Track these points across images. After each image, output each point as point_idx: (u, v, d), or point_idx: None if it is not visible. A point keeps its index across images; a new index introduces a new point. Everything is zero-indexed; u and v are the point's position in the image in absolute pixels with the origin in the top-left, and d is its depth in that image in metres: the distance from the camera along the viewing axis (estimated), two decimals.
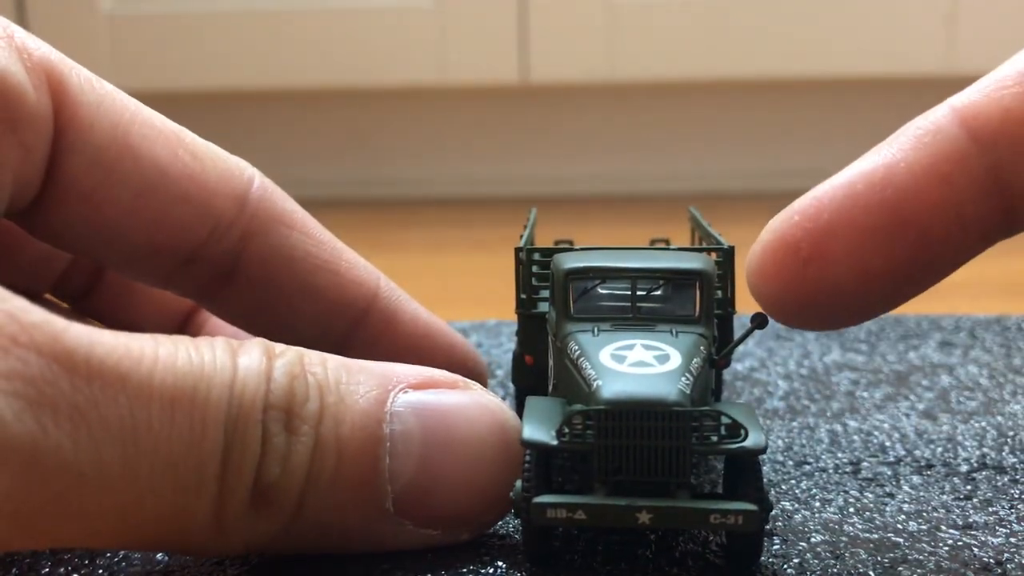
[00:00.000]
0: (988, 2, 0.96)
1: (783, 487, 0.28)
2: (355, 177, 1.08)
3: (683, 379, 0.22)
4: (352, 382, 0.22)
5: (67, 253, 0.29)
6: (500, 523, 0.25)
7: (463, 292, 0.65)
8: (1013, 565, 0.23)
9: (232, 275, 0.28)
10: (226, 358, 0.21)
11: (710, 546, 0.24)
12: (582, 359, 0.23)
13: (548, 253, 0.28)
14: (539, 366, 0.28)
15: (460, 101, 1.05)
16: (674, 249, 0.29)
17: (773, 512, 0.26)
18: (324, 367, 0.22)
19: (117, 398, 0.19)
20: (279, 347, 0.22)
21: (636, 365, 0.22)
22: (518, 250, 0.28)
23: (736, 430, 0.21)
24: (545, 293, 0.28)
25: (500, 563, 0.23)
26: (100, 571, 0.24)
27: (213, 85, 1.00)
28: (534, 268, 0.28)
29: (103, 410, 0.19)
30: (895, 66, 0.96)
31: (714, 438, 0.21)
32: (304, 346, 0.29)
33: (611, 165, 1.08)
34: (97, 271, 0.32)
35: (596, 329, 0.24)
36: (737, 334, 0.26)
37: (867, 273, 0.24)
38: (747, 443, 0.21)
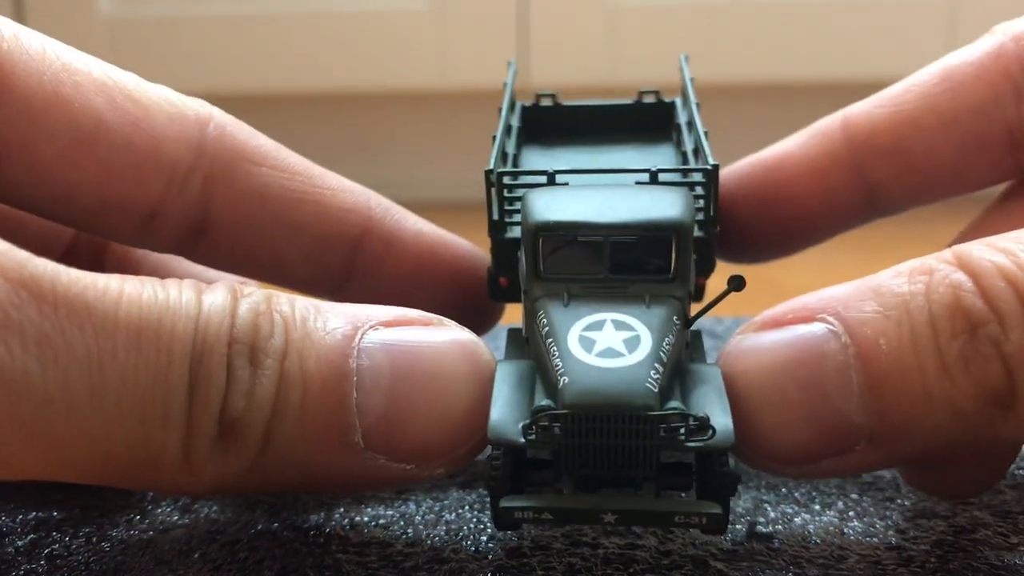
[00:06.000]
0: (988, 6, 0.96)
1: (783, 490, 0.28)
2: (354, 180, 1.08)
3: (652, 373, 0.21)
4: (320, 320, 0.22)
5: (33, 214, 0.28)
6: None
7: None
8: (1015, 570, 0.23)
9: (206, 224, 0.27)
10: (191, 295, 0.21)
11: (710, 548, 0.24)
12: (551, 341, 0.22)
13: (519, 176, 0.27)
14: (514, 285, 0.27)
15: (460, 104, 1.05)
16: (656, 171, 0.26)
17: (773, 515, 0.26)
18: (292, 306, 0.22)
19: (83, 326, 0.19)
20: (247, 288, 0.22)
21: (604, 355, 0.21)
22: (488, 172, 0.27)
23: (705, 425, 0.21)
24: (517, 217, 0.27)
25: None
26: None
27: (211, 89, 1.00)
28: (505, 192, 0.27)
29: (69, 337, 0.19)
30: (895, 70, 0.96)
31: (682, 434, 0.21)
32: (304, 285, 0.28)
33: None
34: (102, 246, 0.31)
35: (566, 295, 0.23)
36: (711, 294, 0.25)
37: (758, 231, 0.31)
38: (713, 442, 0.21)
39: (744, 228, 0.31)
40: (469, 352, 0.23)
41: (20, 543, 0.25)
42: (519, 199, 0.26)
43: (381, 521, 0.26)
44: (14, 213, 0.27)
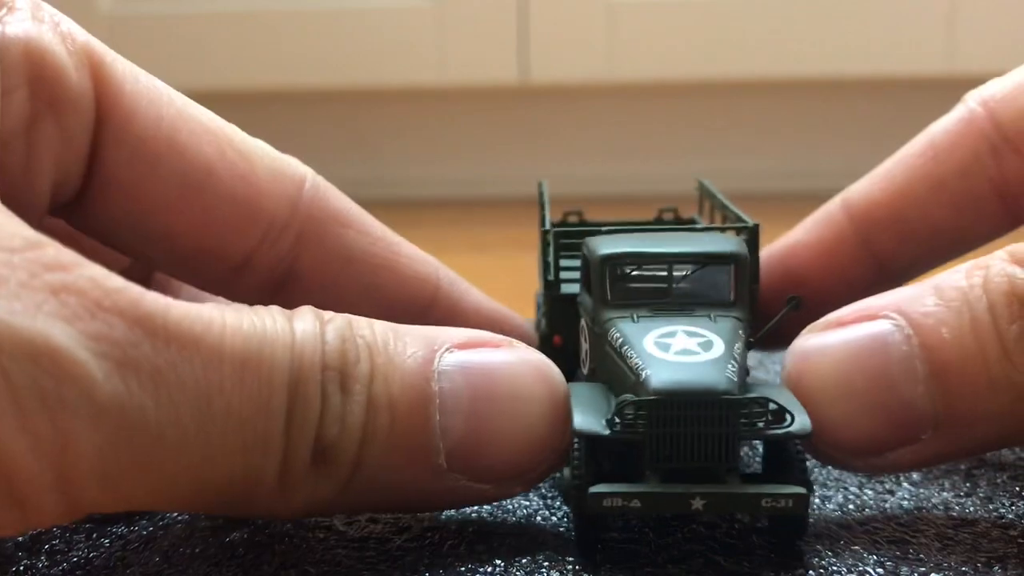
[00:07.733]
0: (988, 2, 0.96)
1: None
2: (353, 178, 1.08)
3: (729, 367, 0.22)
4: (399, 343, 0.23)
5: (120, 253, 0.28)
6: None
7: None
8: (1014, 562, 0.23)
9: (288, 278, 0.28)
10: (284, 323, 0.22)
11: (709, 543, 0.24)
12: (626, 348, 0.23)
13: (575, 235, 0.28)
14: (567, 346, 0.28)
15: (459, 101, 1.05)
16: (701, 228, 0.29)
17: None
18: (372, 330, 0.23)
19: (193, 360, 0.20)
20: (327, 313, 0.23)
21: (681, 353, 0.23)
22: (544, 231, 0.28)
23: (781, 416, 0.22)
24: (568, 274, 0.29)
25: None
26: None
27: (211, 86, 1.00)
28: (562, 251, 0.28)
29: (180, 372, 0.19)
30: (895, 67, 0.96)
31: (761, 423, 0.22)
32: None
33: (611, 165, 1.08)
34: (147, 275, 0.31)
35: (635, 315, 0.24)
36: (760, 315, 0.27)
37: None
38: (793, 428, 0.22)
39: (766, 319, 0.32)
40: (543, 372, 0.24)
41: (20, 538, 0.25)
42: (571, 258, 0.28)
43: (379, 516, 0.26)
44: (75, 233, 0.27)
